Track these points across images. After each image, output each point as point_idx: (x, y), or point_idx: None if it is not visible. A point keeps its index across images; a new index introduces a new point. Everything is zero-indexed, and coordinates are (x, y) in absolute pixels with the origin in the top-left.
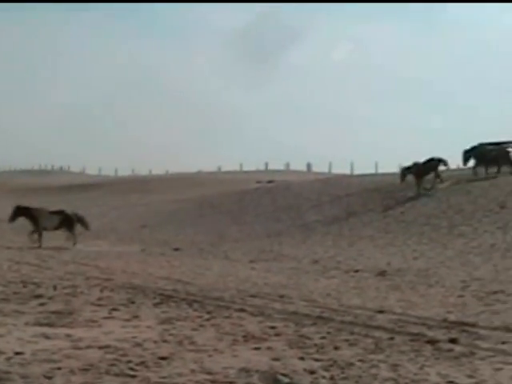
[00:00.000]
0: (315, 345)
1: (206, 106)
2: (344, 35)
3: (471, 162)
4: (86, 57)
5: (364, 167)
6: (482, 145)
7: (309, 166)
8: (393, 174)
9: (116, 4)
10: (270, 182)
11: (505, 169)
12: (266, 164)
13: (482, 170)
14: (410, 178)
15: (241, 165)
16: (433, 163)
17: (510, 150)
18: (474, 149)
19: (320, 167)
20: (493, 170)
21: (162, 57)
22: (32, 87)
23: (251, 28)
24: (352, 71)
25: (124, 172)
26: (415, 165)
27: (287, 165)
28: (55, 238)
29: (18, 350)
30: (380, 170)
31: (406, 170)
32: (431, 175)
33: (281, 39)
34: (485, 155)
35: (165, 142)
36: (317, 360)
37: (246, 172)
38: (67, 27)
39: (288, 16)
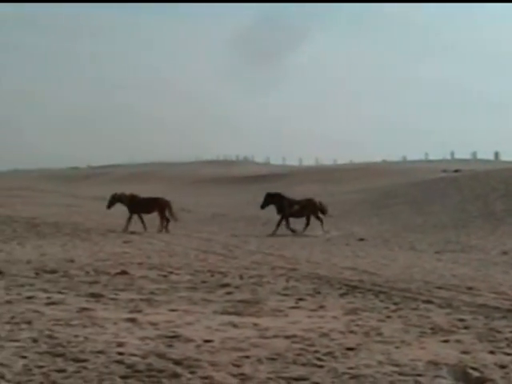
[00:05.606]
0: (506, 339)
1: None
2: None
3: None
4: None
5: None
6: (284, 196)
7: (496, 154)
8: None
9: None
10: (456, 171)
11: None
12: (452, 153)
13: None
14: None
15: (426, 154)
16: (309, 207)
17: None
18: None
19: (509, 156)
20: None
21: None
22: None
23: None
24: None
25: (308, 162)
26: (283, 199)
27: (474, 154)
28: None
29: (207, 337)
30: None
31: (269, 198)
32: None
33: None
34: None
35: (349, 133)
36: (508, 354)
37: (431, 161)
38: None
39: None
